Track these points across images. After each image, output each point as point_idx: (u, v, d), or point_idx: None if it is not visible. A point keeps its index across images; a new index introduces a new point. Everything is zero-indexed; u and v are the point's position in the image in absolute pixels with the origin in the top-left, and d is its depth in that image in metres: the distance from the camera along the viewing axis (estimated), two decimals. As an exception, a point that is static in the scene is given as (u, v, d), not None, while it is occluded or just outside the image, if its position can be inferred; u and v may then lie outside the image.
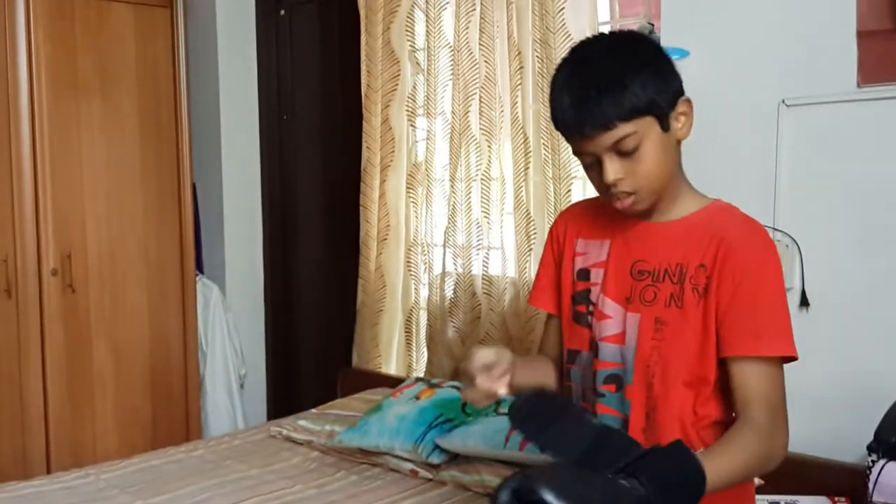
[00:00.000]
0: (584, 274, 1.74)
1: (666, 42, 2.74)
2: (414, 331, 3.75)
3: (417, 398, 3.01)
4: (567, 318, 1.78)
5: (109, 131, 3.70)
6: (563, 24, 3.00)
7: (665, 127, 1.58)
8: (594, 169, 1.60)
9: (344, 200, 4.00)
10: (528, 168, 3.18)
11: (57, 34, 3.53)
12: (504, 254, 3.33)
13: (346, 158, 3.98)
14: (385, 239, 3.72)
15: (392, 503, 2.60)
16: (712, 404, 1.61)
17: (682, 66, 2.66)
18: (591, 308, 1.71)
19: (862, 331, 2.43)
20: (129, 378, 3.79)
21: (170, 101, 3.86)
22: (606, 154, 1.56)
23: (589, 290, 1.73)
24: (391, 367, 3.80)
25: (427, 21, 3.52)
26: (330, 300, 4.30)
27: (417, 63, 3.60)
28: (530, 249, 3.19)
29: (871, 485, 2.08)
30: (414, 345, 3.76)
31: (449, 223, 3.48)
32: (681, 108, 1.61)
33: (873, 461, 2.11)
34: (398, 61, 3.61)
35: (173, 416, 3.93)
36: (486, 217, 3.37)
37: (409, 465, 2.82)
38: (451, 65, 3.42)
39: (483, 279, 3.39)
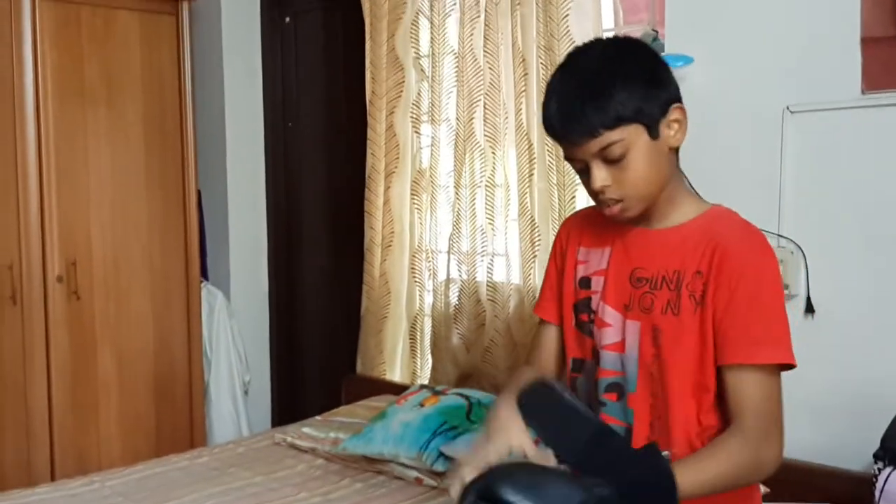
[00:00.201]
0: (586, 282, 1.75)
1: (670, 49, 2.75)
2: (418, 338, 3.75)
3: (422, 405, 3.01)
4: (570, 326, 1.78)
5: (115, 139, 3.70)
6: (568, 31, 3.00)
7: (654, 135, 1.57)
8: (584, 174, 1.61)
9: (348, 207, 4.00)
10: (532, 174, 3.18)
11: (63, 42, 3.54)
12: (508, 260, 3.33)
13: (350, 165, 3.98)
14: (389, 245, 3.72)
15: (396, 511, 2.59)
16: (716, 413, 1.60)
17: (687, 73, 2.68)
18: (591, 316, 1.71)
19: (868, 338, 2.42)
20: (133, 385, 3.79)
21: (175, 109, 3.86)
22: (593, 161, 1.57)
23: (590, 299, 1.73)
24: (395, 374, 3.80)
25: (431, 28, 3.52)
26: (334, 307, 4.30)
27: (422, 70, 3.60)
28: (535, 256, 3.19)
29: (877, 493, 2.07)
30: (418, 352, 3.76)
31: (453, 230, 3.48)
32: (673, 115, 1.59)
33: (879, 469, 2.10)
34: (403, 68, 3.61)
35: (177, 423, 3.93)
36: (490, 224, 3.37)
37: (414, 473, 2.81)
38: (456, 71, 3.42)
39: (487, 286, 3.39)
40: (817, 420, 2.51)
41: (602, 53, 1.61)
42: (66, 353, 3.59)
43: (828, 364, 2.48)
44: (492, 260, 3.39)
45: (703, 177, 2.68)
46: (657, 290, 1.61)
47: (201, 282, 4.07)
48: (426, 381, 3.66)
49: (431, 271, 3.64)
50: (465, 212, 3.43)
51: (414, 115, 3.63)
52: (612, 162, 1.56)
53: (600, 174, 1.57)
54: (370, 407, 3.39)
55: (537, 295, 2.01)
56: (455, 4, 3.42)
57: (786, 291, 2.51)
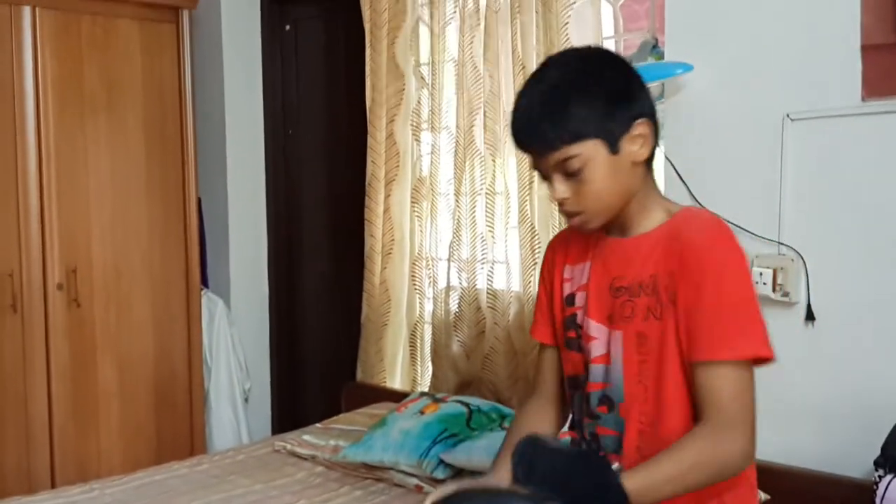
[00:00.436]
0: (571, 299, 1.76)
1: (670, 56, 2.75)
2: (418, 345, 3.75)
3: (422, 413, 3.01)
4: (561, 345, 1.80)
5: (115, 146, 3.71)
6: (568, 39, 3.01)
7: (614, 150, 1.58)
8: (549, 184, 1.63)
9: (348, 214, 4.00)
10: (532, 182, 3.18)
11: (63, 50, 3.54)
12: (509, 268, 3.33)
13: (350, 173, 3.99)
14: (390, 253, 3.72)
15: (397, 518, 2.59)
16: None
17: (687, 81, 2.69)
18: (579, 332, 1.73)
19: (868, 345, 2.42)
20: (133, 392, 3.79)
21: (175, 116, 3.86)
22: (553, 173, 1.60)
23: (575, 315, 1.74)
24: (396, 382, 3.79)
25: (432, 36, 3.53)
26: (334, 314, 4.30)
27: (422, 78, 3.61)
28: (535, 263, 3.19)
29: (878, 500, 2.07)
30: (418, 359, 3.76)
31: (453, 237, 3.48)
32: (636, 130, 1.59)
33: (880, 476, 2.10)
34: (403, 76, 3.62)
35: (178, 431, 3.92)
36: (490, 231, 3.37)
37: (414, 480, 2.81)
38: (456, 79, 3.43)
39: (488, 293, 3.39)
40: (818, 427, 2.51)
41: (569, 67, 1.62)
42: (66, 360, 3.59)
43: (828, 371, 2.48)
44: (492, 267, 3.39)
45: (704, 184, 2.70)
46: (636, 298, 1.61)
47: (201, 289, 4.06)
48: (426, 389, 3.66)
49: (432, 279, 3.64)
50: (465, 219, 3.44)
51: (414, 123, 3.63)
52: (571, 175, 1.58)
53: (560, 186, 1.60)
54: (370, 414, 3.39)
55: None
56: (455, 12, 3.43)
57: (786, 299, 2.51)
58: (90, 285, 3.65)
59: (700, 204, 2.67)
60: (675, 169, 2.75)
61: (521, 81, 3.14)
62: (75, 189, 3.59)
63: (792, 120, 2.52)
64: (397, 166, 3.66)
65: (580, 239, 1.76)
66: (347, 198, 4.04)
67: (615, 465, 1.49)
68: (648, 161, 1.66)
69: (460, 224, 3.45)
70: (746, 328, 1.52)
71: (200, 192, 4.06)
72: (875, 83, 2.39)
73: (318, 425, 3.41)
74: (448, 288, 3.53)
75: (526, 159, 3.13)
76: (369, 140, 3.73)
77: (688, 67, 2.66)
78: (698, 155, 2.73)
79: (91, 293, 3.65)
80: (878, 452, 2.15)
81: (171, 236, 3.87)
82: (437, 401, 3.10)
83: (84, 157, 3.62)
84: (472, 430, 2.88)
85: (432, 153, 3.59)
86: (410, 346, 3.77)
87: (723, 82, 2.67)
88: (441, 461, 2.76)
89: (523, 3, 3.13)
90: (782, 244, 2.54)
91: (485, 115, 3.31)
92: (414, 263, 3.69)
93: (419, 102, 3.62)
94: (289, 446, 3.21)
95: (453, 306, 3.52)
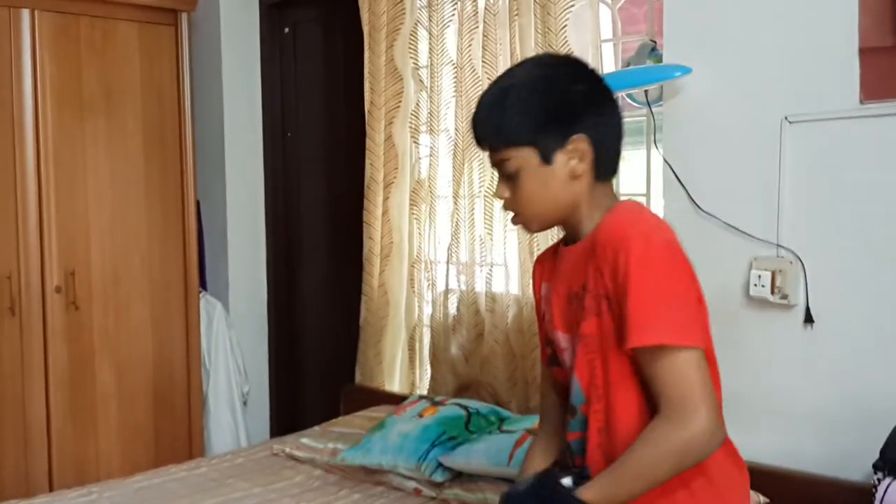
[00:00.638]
0: (545, 315, 1.80)
1: (668, 59, 2.75)
2: (417, 348, 3.75)
3: (421, 416, 3.01)
4: (546, 363, 1.85)
5: (114, 149, 3.71)
6: (566, 42, 3.01)
7: (547, 161, 1.62)
8: None
9: (347, 217, 4.00)
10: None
11: (62, 53, 3.54)
12: (507, 271, 3.33)
13: (349, 175, 3.99)
14: (388, 256, 3.72)
15: (395, 521, 2.59)
16: None
17: (685, 83, 2.69)
18: (553, 347, 1.76)
19: (867, 348, 2.42)
20: (132, 395, 3.78)
21: (174, 119, 3.87)
22: (497, 171, 1.68)
23: (548, 330, 1.78)
24: (394, 385, 3.79)
25: (430, 38, 3.53)
26: (333, 317, 4.30)
27: (421, 80, 3.61)
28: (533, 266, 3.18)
29: (876, 503, 2.07)
30: (417, 362, 3.76)
31: (452, 240, 3.48)
32: (572, 145, 1.61)
33: (879, 479, 2.10)
34: (401, 78, 3.62)
35: (176, 434, 3.92)
36: (489, 234, 3.37)
37: (413, 484, 2.81)
38: (455, 82, 3.43)
39: (486, 296, 3.39)
40: (817, 430, 2.51)
41: (527, 74, 1.66)
42: (64, 363, 3.59)
43: (827, 374, 2.48)
44: (490, 270, 3.38)
45: (702, 186, 2.70)
46: (583, 301, 1.63)
47: (200, 292, 4.06)
48: (425, 392, 3.66)
49: (430, 282, 3.64)
50: (463, 222, 3.44)
51: (413, 126, 3.63)
52: (509, 177, 1.65)
53: (501, 186, 1.68)
54: (369, 417, 3.39)
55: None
56: (453, 15, 3.43)
57: (785, 301, 2.51)
58: (89, 288, 3.65)
59: (699, 206, 2.67)
60: (673, 171, 2.75)
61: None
62: (74, 192, 3.59)
63: (790, 122, 2.52)
64: (396, 169, 3.66)
65: (552, 254, 1.81)
66: (346, 200, 4.04)
67: (565, 481, 1.53)
68: (603, 174, 1.67)
69: (459, 226, 3.45)
70: (651, 316, 1.48)
71: (199, 195, 4.06)
72: (873, 86, 2.39)
73: (316, 428, 3.41)
74: (447, 291, 3.53)
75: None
76: (368, 142, 3.73)
77: (686, 70, 2.66)
78: (696, 157, 2.73)
79: (90, 296, 3.65)
80: (877, 455, 2.15)
81: (169, 239, 3.87)
82: (435, 404, 3.10)
83: (83, 160, 3.62)
84: (471, 433, 2.87)
85: (431, 155, 3.59)
86: (409, 348, 3.77)
87: (721, 85, 2.67)
88: (440, 464, 2.76)
89: (522, 6, 3.13)
90: (781, 246, 2.53)
91: (483, 117, 3.30)
92: (412, 266, 3.69)
93: (418, 105, 3.62)
94: (287, 449, 3.20)
95: (452, 309, 3.52)
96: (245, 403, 4.40)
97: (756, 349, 2.60)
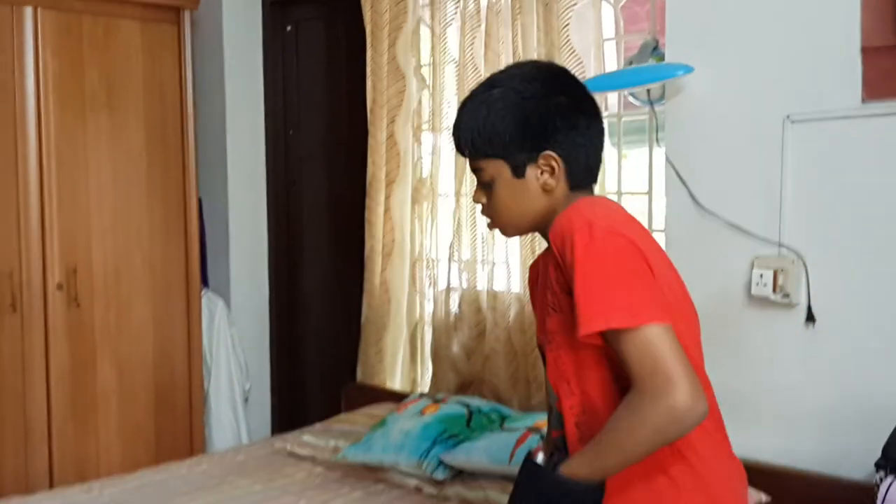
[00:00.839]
0: (537, 320, 1.81)
1: (670, 58, 2.75)
2: (419, 346, 3.75)
3: (422, 413, 3.01)
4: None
5: (116, 146, 3.71)
6: (568, 40, 3.01)
7: (518, 174, 1.64)
8: None
9: (349, 215, 4.00)
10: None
11: (64, 50, 3.54)
12: (509, 269, 3.33)
13: (351, 173, 3.99)
14: (390, 254, 3.72)
15: (396, 519, 2.59)
16: None
17: (687, 82, 2.69)
18: (542, 350, 1.77)
19: (868, 347, 2.42)
20: (133, 393, 3.78)
21: (176, 116, 3.87)
22: (475, 177, 1.71)
23: (537, 332, 1.80)
24: (396, 383, 3.79)
25: (432, 37, 3.53)
26: (335, 315, 4.30)
27: (423, 78, 3.61)
28: (535, 265, 3.18)
29: (878, 502, 2.07)
30: (419, 360, 3.76)
31: (454, 238, 3.48)
32: (542, 160, 1.63)
33: (881, 478, 2.10)
34: (403, 77, 3.62)
35: (177, 431, 3.92)
36: (490, 232, 3.37)
37: (414, 481, 2.81)
38: (457, 80, 3.43)
39: (488, 294, 3.39)
40: (818, 428, 2.51)
41: (508, 81, 1.67)
42: (65, 360, 3.58)
43: (829, 372, 2.48)
44: (492, 268, 3.39)
45: (704, 185, 2.70)
46: (549, 298, 1.65)
47: (202, 289, 4.06)
48: (426, 390, 3.66)
49: (432, 280, 3.64)
50: (465, 220, 3.44)
51: (415, 124, 3.63)
52: (484, 185, 1.68)
53: (477, 191, 1.71)
54: (370, 415, 3.39)
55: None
56: (456, 13, 3.43)
57: (787, 300, 2.51)
58: (90, 285, 3.65)
59: (701, 205, 2.68)
60: (675, 170, 2.75)
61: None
62: (76, 189, 3.59)
63: (792, 122, 2.52)
64: (398, 167, 3.66)
65: (542, 259, 1.79)
66: (348, 198, 4.04)
67: (538, 458, 1.58)
68: (578, 184, 1.67)
69: (461, 225, 3.45)
70: (595, 303, 1.47)
71: (201, 193, 4.06)
72: (875, 85, 2.39)
73: (317, 426, 3.41)
74: (448, 289, 3.53)
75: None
76: (370, 141, 3.73)
77: (688, 69, 2.66)
78: (698, 156, 2.73)
79: (91, 293, 3.65)
80: (878, 454, 2.15)
81: (171, 236, 3.87)
82: (437, 401, 3.10)
83: (85, 157, 3.62)
84: (472, 430, 2.88)
85: (433, 154, 3.59)
86: (410, 346, 3.77)
87: (723, 84, 2.67)
88: (441, 462, 2.76)
89: (524, 5, 3.13)
90: (782, 245, 2.54)
91: (485, 116, 3.30)
92: (414, 264, 3.69)
93: (420, 103, 3.62)
94: (288, 447, 3.21)
95: (453, 307, 3.52)
96: (246, 401, 4.40)
97: (758, 348, 2.60)
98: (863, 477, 2.35)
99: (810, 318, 2.51)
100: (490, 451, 2.68)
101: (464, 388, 3.48)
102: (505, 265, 3.35)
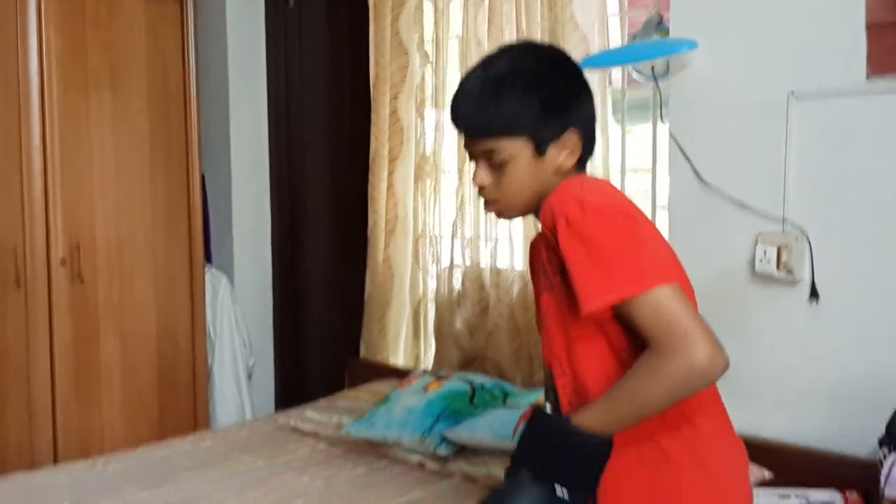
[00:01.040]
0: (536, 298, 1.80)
1: (675, 33, 2.74)
2: (422, 322, 3.75)
3: (425, 390, 3.01)
4: None
5: (119, 123, 3.70)
6: (572, 16, 2.99)
7: (540, 152, 1.61)
8: (475, 166, 1.68)
9: (352, 191, 4.00)
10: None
11: (67, 28, 3.53)
12: (512, 246, 3.33)
13: (354, 149, 3.98)
14: (393, 230, 3.72)
15: (399, 495, 2.59)
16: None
17: (691, 58, 2.67)
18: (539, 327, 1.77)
19: (873, 323, 2.42)
20: (136, 368, 3.79)
21: (179, 93, 3.85)
22: (479, 159, 1.65)
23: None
24: (399, 359, 3.80)
25: (435, 12, 3.51)
26: (338, 291, 4.30)
27: (426, 54, 3.59)
28: (538, 241, 3.18)
29: (882, 479, 2.07)
30: (422, 336, 3.76)
31: (457, 215, 3.47)
32: (565, 139, 1.62)
33: (885, 455, 2.10)
34: (406, 53, 3.60)
35: (181, 407, 3.93)
36: (493, 209, 3.36)
37: (417, 457, 2.82)
38: (460, 56, 3.41)
39: (491, 271, 3.38)
40: (822, 405, 2.51)
41: (517, 60, 1.65)
42: (69, 335, 3.59)
43: (832, 349, 2.48)
44: (495, 245, 3.38)
45: (708, 161, 2.69)
46: (542, 279, 1.66)
47: (205, 265, 4.06)
48: (429, 366, 3.67)
49: (435, 256, 3.64)
50: (468, 197, 3.43)
51: (418, 100, 3.62)
52: (494, 165, 1.63)
53: (482, 173, 1.65)
54: (373, 391, 3.40)
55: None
56: (459, -12, 3.41)
57: (790, 277, 2.50)
58: (94, 261, 3.65)
59: (704, 181, 2.67)
60: (679, 146, 2.74)
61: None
62: (79, 166, 3.59)
63: (797, 98, 2.51)
64: (401, 143, 3.65)
65: (540, 239, 1.77)
66: (351, 174, 4.03)
67: (547, 407, 1.62)
68: (582, 163, 1.68)
69: (464, 201, 3.45)
70: (594, 279, 1.46)
71: (204, 169, 4.05)
72: (880, 61, 2.38)
73: (321, 402, 3.42)
74: (451, 265, 3.53)
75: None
76: (373, 117, 3.72)
77: (692, 45, 2.65)
78: (702, 132, 2.72)
79: (94, 269, 3.65)
80: (882, 431, 2.15)
81: (174, 213, 3.87)
82: (440, 378, 3.11)
83: (88, 135, 3.61)
84: (475, 407, 2.88)
85: (436, 130, 3.58)
86: (413, 323, 3.77)
87: (727, 60, 2.65)
88: (444, 438, 2.77)
89: (528, -20, 3.11)
90: (787, 222, 2.53)
91: (489, 92, 3.29)
92: (417, 241, 3.69)
93: (423, 79, 3.61)
94: (292, 423, 3.22)
95: (456, 284, 3.52)
96: (250, 377, 4.41)
97: (761, 325, 2.60)
98: (867, 454, 2.35)
99: (814, 294, 2.50)
100: (493, 427, 2.68)
101: (467, 364, 3.49)
102: (508, 242, 3.34)
